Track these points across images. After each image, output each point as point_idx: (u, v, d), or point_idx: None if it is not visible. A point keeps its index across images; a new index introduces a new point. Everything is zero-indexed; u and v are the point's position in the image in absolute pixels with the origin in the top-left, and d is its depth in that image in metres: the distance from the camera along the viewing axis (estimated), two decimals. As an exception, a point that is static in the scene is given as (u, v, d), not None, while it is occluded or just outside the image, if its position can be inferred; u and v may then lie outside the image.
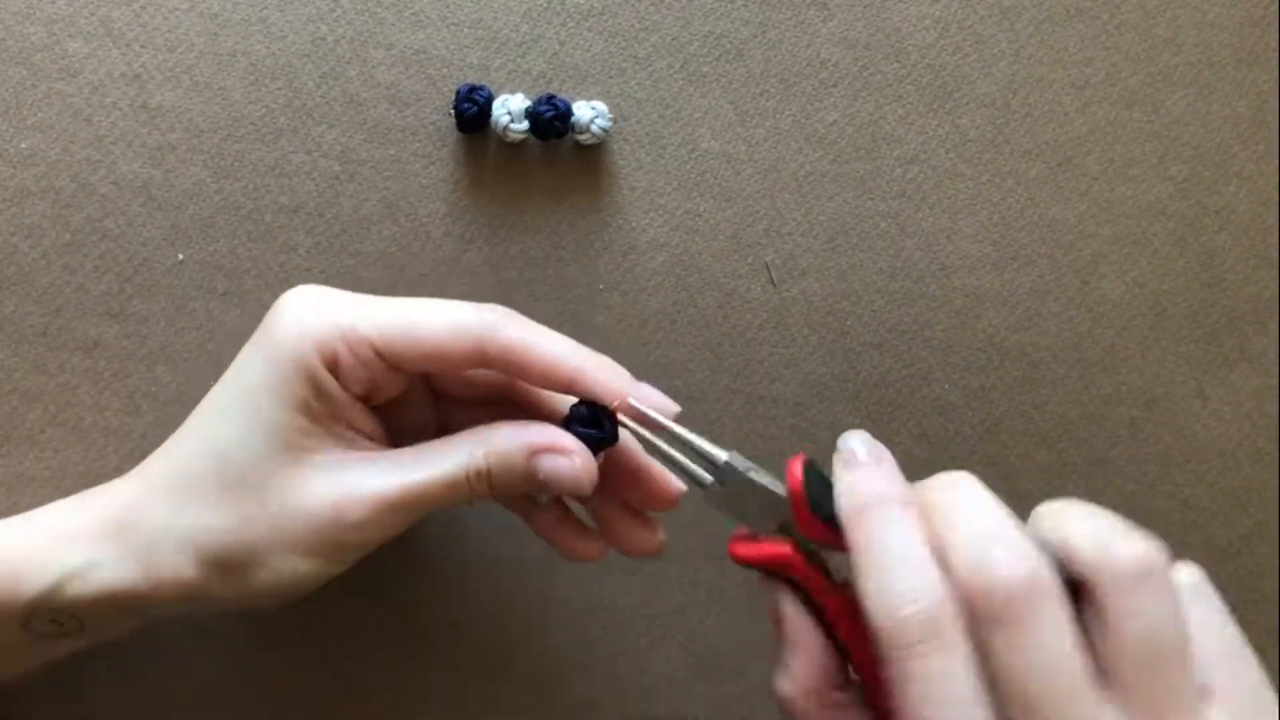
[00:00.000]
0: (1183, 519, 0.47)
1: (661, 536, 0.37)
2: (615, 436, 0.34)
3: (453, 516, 0.42)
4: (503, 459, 0.34)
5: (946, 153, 0.45)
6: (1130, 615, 0.27)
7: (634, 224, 0.44)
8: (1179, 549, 0.46)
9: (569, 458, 0.34)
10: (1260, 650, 0.47)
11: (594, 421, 0.34)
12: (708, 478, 0.33)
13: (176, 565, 0.33)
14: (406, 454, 0.34)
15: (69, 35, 0.41)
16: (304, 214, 0.42)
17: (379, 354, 0.33)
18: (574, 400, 0.35)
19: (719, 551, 0.43)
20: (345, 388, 0.34)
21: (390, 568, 0.42)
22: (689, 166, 0.44)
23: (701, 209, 0.44)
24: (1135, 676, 0.27)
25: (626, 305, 0.43)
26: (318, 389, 0.33)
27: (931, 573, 0.28)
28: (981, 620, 0.27)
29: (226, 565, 0.33)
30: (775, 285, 0.44)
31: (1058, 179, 0.46)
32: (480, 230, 0.43)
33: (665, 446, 0.34)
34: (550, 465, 0.34)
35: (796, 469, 0.32)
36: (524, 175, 0.43)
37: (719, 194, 0.44)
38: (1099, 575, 0.28)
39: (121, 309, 0.41)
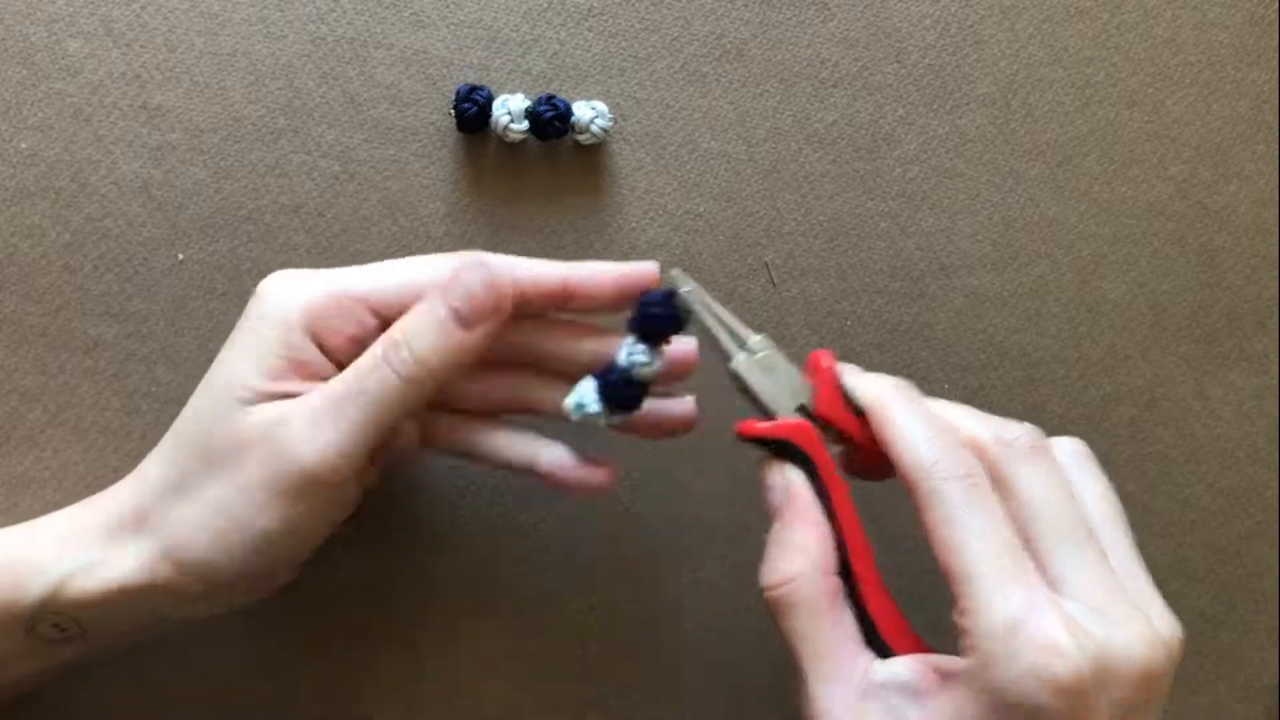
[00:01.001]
0: (1183, 519, 0.47)
1: (691, 403, 0.37)
2: (687, 318, 0.34)
3: (453, 516, 0.42)
4: (416, 315, 0.33)
5: (946, 153, 0.45)
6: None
7: (634, 224, 0.44)
8: (1179, 549, 0.46)
9: (474, 270, 0.33)
10: (1260, 650, 0.47)
11: (665, 303, 0.34)
12: (737, 353, 0.35)
13: (164, 566, 0.33)
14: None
15: (69, 35, 0.41)
16: (304, 214, 0.42)
17: (371, 310, 0.34)
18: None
19: (720, 551, 0.43)
20: (335, 349, 0.34)
21: (390, 567, 0.42)
22: (689, 166, 0.44)
23: (701, 209, 0.44)
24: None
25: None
26: (291, 349, 0.33)
27: (955, 432, 0.33)
28: (1006, 463, 0.33)
29: (198, 567, 0.33)
30: (775, 285, 0.44)
31: (1058, 179, 0.46)
32: (480, 230, 0.43)
33: (705, 316, 0.35)
34: (459, 284, 0.33)
35: (825, 355, 0.35)
36: (524, 175, 0.43)
37: (719, 194, 0.44)
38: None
39: (121, 309, 0.41)
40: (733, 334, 0.35)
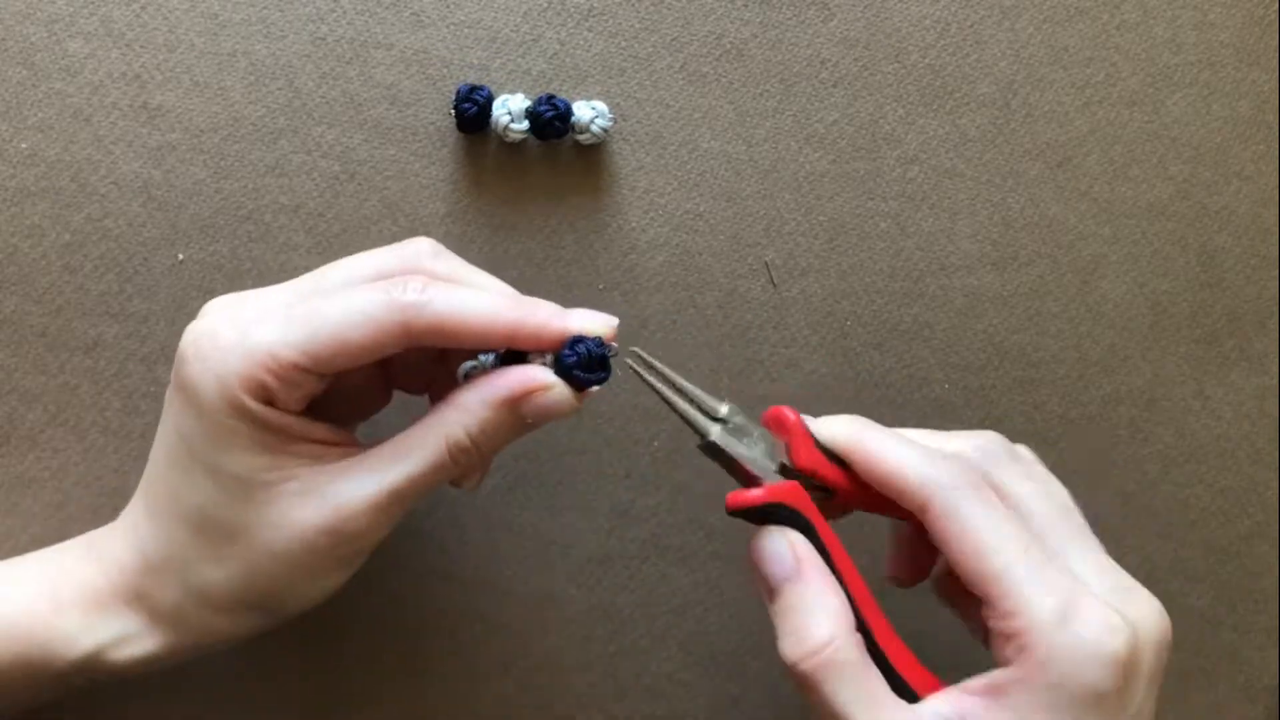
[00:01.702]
0: (1183, 519, 0.46)
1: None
2: (608, 369, 0.34)
3: (453, 516, 0.42)
4: (484, 425, 0.33)
5: (946, 153, 0.45)
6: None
7: (634, 224, 0.44)
8: (1179, 549, 0.46)
9: (548, 391, 0.33)
10: (1260, 650, 0.47)
11: (598, 364, 0.33)
12: (711, 426, 0.34)
13: (205, 622, 0.33)
14: (382, 452, 0.33)
15: (69, 35, 0.41)
16: (304, 214, 0.42)
17: (307, 370, 0.32)
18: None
19: (719, 551, 0.43)
20: (285, 410, 0.32)
21: (390, 568, 0.42)
22: (689, 166, 0.44)
23: (701, 209, 0.44)
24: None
25: (626, 305, 0.43)
26: (260, 422, 0.32)
27: (939, 449, 0.34)
28: (993, 471, 0.34)
29: (250, 606, 0.33)
30: (775, 285, 0.44)
31: (1058, 179, 0.46)
32: (480, 230, 0.43)
33: (670, 395, 0.34)
34: (536, 407, 0.33)
35: (787, 409, 0.35)
36: (524, 175, 0.43)
37: (719, 194, 0.44)
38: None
39: (121, 309, 0.41)
40: (699, 405, 0.34)
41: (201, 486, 0.32)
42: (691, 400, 0.34)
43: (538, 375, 0.33)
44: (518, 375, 0.33)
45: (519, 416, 0.33)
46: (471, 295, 0.33)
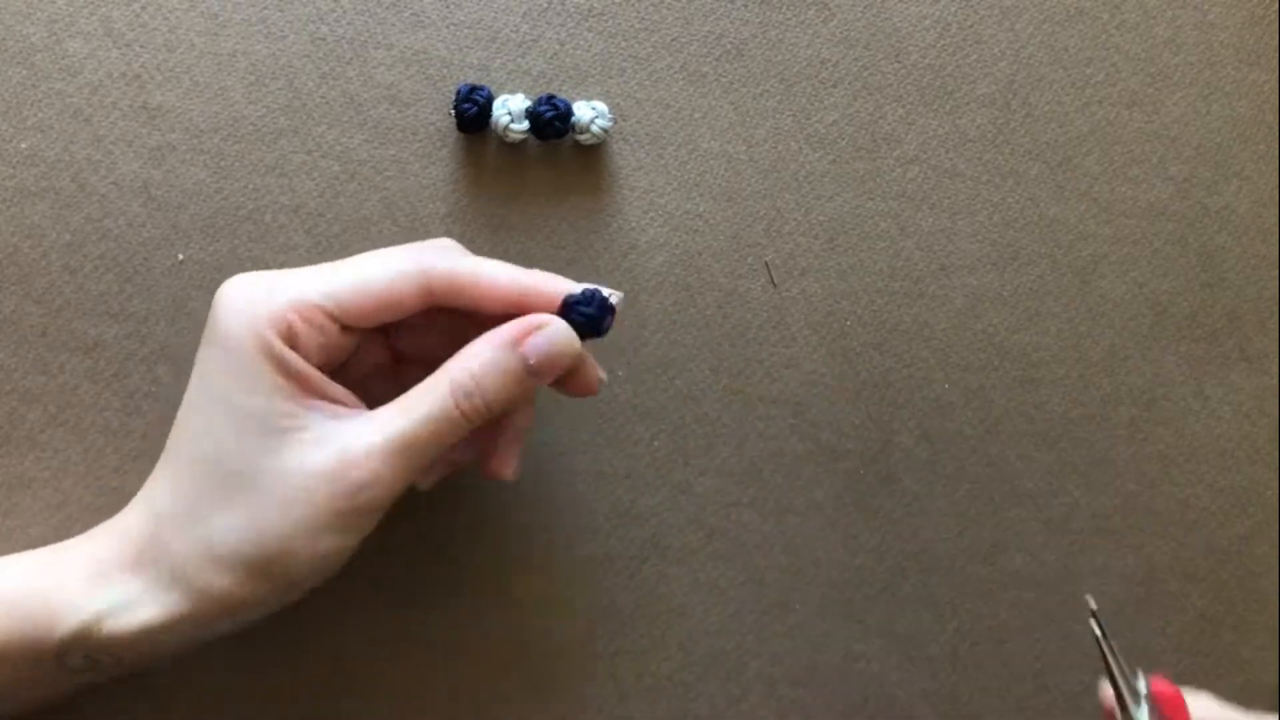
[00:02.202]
0: (1183, 519, 0.47)
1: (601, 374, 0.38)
2: (609, 322, 0.36)
3: (453, 516, 0.42)
4: (485, 365, 0.34)
5: (946, 153, 0.45)
6: None
7: (634, 224, 0.44)
8: (1179, 549, 0.46)
9: (548, 326, 0.35)
10: (1260, 650, 0.47)
11: (591, 302, 0.35)
12: (1135, 708, 0.34)
13: (208, 582, 0.33)
14: (390, 407, 0.34)
15: (69, 35, 0.41)
16: (304, 214, 0.42)
17: (331, 317, 0.34)
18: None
19: (719, 551, 0.43)
20: (307, 359, 0.34)
21: (389, 568, 0.42)
22: (689, 166, 0.44)
23: (701, 209, 0.44)
24: None
25: (626, 305, 0.43)
26: (283, 366, 0.33)
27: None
28: None
29: (253, 566, 0.33)
30: (775, 285, 0.44)
31: (1058, 179, 0.46)
32: (480, 230, 0.43)
33: (1114, 666, 0.34)
34: (537, 346, 0.35)
35: (1165, 683, 0.35)
36: (524, 175, 0.43)
37: (719, 194, 0.44)
38: None
39: (121, 309, 0.41)
40: (1126, 680, 0.35)
41: (218, 428, 0.33)
42: (1116, 663, 0.35)
43: (537, 316, 0.35)
44: (519, 319, 0.35)
45: (521, 359, 0.34)
46: (489, 261, 0.36)
